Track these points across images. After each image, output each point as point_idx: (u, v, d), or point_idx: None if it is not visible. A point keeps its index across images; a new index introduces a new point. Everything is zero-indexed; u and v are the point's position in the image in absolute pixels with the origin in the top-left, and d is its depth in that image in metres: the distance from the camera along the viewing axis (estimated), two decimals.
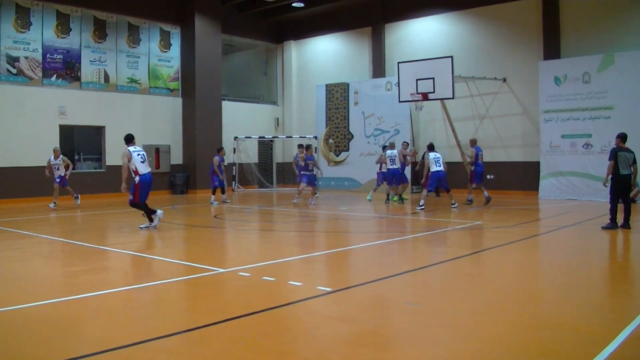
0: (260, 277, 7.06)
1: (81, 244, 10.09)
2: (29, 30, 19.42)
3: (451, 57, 18.83)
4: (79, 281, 7.21)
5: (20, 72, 19.24)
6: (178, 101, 23.58)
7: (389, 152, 18.01)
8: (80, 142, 22.45)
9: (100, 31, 21.22)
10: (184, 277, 7.41)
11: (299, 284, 6.77)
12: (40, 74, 19.70)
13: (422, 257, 9.05)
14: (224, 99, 24.54)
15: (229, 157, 24.34)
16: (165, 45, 23.28)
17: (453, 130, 20.02)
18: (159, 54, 23.06)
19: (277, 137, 26.55)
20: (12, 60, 19.08)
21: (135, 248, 9.81)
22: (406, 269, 7.86)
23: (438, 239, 10.89)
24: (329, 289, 6.38)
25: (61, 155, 17.39)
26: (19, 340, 4.80)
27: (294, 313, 5.70)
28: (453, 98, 18.92)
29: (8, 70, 18.96)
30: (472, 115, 21.14)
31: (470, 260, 8.42)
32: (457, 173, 19.71)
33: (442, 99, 19.22)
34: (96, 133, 21.56)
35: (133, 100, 22.11)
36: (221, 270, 7.62)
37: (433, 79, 18.83)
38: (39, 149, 19.21)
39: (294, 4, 24.59)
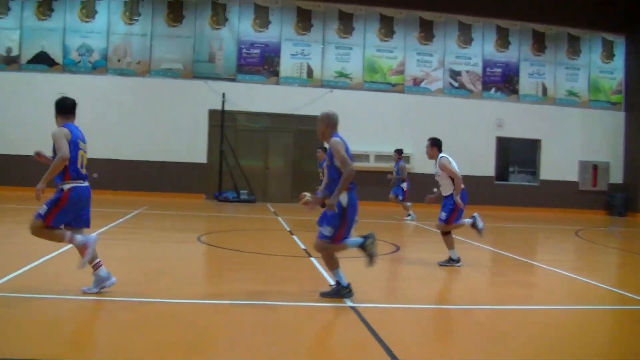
0: None
1: (508, 255, 10.07)
2: (469, 45, 20.78)
3: None
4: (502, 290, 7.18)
5: (461, 86, 20.62)
6: (620, 115, 21.85)
7: None
8: (515, 154, 22.55)
9: (539, 44, 21.30)
10: (611, 307, 6.67)
11: None
12: (480, 87, 20.73)
13: None
14: None
15: None
16: (608, 55, 21.86)
17: None
18: (600, 65, 21.82)
19: None
20: (455, 75, 20.62)
21: (563, 266, 9.26)
22: None
23: None
24: None
25: None
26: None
27: None
28: None
29: (450, 84, 20.53)
30: None
31: None
32: None
33: None
34: (532, 146, 21.51)
35: (570, 114, 21.36)
36: None
37: None
38: (475, 159, 19.80)
39: None
